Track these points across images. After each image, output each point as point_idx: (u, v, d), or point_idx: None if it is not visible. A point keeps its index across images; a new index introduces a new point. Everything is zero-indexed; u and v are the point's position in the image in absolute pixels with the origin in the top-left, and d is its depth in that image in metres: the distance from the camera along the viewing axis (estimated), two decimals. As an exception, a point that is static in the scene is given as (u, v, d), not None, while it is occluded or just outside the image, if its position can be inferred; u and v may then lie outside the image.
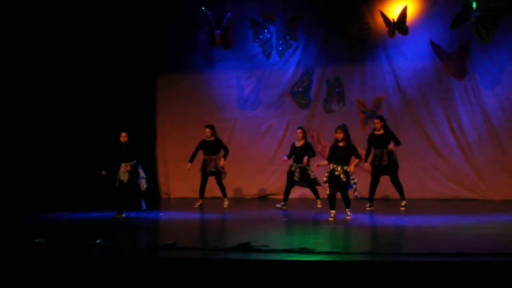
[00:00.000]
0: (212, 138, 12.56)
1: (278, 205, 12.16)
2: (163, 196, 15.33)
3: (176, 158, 14.86)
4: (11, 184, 13.02)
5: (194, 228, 10.19)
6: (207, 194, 14.20)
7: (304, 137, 12.19)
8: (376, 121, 11.71)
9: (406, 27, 13.90)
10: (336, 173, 10.07)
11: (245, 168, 14.51)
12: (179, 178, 14.94)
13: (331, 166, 10.18)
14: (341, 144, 10.23)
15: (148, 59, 14.93)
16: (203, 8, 14.70)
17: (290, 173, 12.11)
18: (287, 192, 12.30)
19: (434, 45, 13.79)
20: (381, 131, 11.60)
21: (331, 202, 10.18)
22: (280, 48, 14.69)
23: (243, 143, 14.70)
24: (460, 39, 13.64)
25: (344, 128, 10.33)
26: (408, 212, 11.16)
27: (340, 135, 10.22)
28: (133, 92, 14.74)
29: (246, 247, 7.40)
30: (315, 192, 12.26)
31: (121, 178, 11.03)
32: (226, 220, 11.14)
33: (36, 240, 8.06)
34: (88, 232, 9.25)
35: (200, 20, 14.90)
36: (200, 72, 15.00)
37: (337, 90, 14.43)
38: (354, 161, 10.22)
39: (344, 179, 10.02)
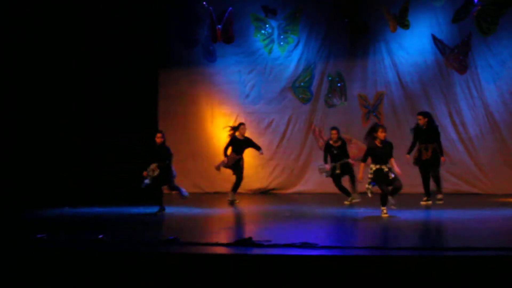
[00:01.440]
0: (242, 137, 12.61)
1: (346, 202, 12.03)
2: (165, 191, 15.28)
3: (178, 153, 14.83)
4: (12, 183, 13.01)
5: (196, 223, 10.20)
6: (209, 189, 14.25)
7: (340, 137, 12.11)
8: (419, 117, 11.62)
9: (408, 21, 13.88)
10: (385, 170, 9.88)
11: (247, 163, 14.44)
12: (180, 174, 14.90)
13: (374, 167, 9.94)
14: (379, 143, 10.02)
15: (149, 54, 14.91)
16: (204, 3, 14.69)
17: (333, 171, 12.02)
18: (342, 188, 12.20)
19: (436, 40, 13.78)
20: (425, 126, 11.51)
21: (384, 200, 9.94)
22: (281, 43, 14.68)
23: (245, 138, 14.68)
24: (462, 33, 13.64)
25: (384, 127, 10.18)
26: (410, 207, 11.15)
27: (384, 134, 9.96)
28: (134, 88, 14.73)
29: (247, 242, 7.40)
30: (354, 186, 12.11)
31: (150, 175, 10.99)
32: (228, 215, 11.14)
33: (38, 236, 8.07)
34: (90, 228, 9.27)
35: (201, 15, 14.88)
36: (202, 67, 15.00)
37: (339, 84, 14.43)
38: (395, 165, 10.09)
39: (392, 176, 9.88)
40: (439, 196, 11.55)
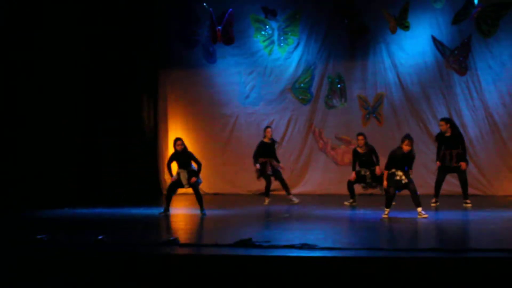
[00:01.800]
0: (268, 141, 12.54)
1: (346, 203, 12.04)
2: (165, 192, 15.32)
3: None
4: (12, 183, 13.00)
5: (196, 224, 10.20)
6: (210, 190, 14.23)
7: (367, 143, 11.97)
8: (441, 123, 11.59)
9: (408, 23, 13.89)
10: (397, 177, 9.97)
11: (247, 164, 14.43)
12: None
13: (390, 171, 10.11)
14: (402, 155, 10.06)
15: (150, 55, 14.92)
16: (204, 4, 14.68)
17: (359, 175, 11.91)
18: (351, 189, 12.10)
19: (436, 41, 13.78)
20: (449, 133, 11.48)
21: (388, 202, 10.05)
22: (281, 44, 14.68)
23: (245, 139, 14.67)
24: (462, 35, 13.64)
25: (412, 140, 10.17)
26: (409, 208, 11.15)
27: (408, 148, 10.01)
28: (134, 89, 14.74)
29: (247, 243, 7.41)
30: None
31: (185, 183, 11.01)
32: (227, 216, 11.14)
33: (38, 237, 8.07)
34: (89, 229, 9.27)
35: (201, 16, 14.88)
36: (202, 68, 14.99)
37: (339, 86, 14.43)
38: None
39: (406, 180, 9.97)
40: (468, 202, 11.51)
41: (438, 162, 11.65)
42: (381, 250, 7.13)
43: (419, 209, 9.98)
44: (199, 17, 14.89)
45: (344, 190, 12.31)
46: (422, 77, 13.90)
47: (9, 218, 10.89)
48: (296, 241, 7.43)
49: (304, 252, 6.98)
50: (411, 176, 10.11)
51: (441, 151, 11.57)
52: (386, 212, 10.01)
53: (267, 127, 12.85)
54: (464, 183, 11.59)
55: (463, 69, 13.71)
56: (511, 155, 13.44)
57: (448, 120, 11.71)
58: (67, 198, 13.00)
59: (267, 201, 12.55)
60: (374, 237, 8.49)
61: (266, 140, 12.58)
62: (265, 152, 12.50)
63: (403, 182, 9.99)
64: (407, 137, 10.17)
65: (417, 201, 10.02)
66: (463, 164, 11.40)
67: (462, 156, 11.46)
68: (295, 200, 12.55)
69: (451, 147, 11.46)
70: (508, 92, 13.47)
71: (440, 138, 11.67)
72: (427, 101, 13.86)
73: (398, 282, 6.42)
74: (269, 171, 12.43)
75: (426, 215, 9.91)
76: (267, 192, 12.64)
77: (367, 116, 14.22)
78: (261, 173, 12.46)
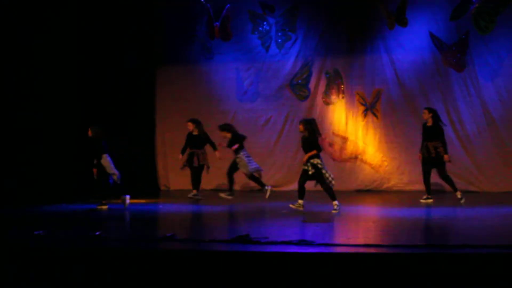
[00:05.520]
0: (196, 133, 12.59)
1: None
2: (162, 188, 15.35)
3: (176, 150, 14.83)
4: (9, 179, 12.99)
5: (193, 220, 10.20)
6: (208, 186, 14.23)
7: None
8: (424, 111, 11.67)
9: (406, 19, 13.89)
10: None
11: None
12: (178, 171, 14.92)
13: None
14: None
15: (147, 51, 14.90)
16: (202, 0, 14.67)
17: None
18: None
19: (433, 37, 13.79)
20: (430, 123, 11.54)
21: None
22: (279, 40, 14.67)
23: (242, 135, 14.68)
24: (460, 31, 13.65)
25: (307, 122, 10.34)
26: (407, 204, 11.18)
27: (300, 127, 10.28)
28: (131, 84, 14.73)
29: (245, 239, 7.41)
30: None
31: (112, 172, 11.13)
32: (225, 212, 11.15)
33: (36, 232, 8.07)
34: (87, 224, 9.27)
35: (199, 12, 14.87)
36: (199, 64, 14.99)
37: (336, 82, 14.42)
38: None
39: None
40: (459, 195, 11.41)
41: (419, 155, 11.64)
42: (378, 246, 7.14)
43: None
44: (196, 12, 14.89)
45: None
46: (420, 73, 13.91)
47: (6, 214, 10.88)
48: (294, 237, 7.44)
49: (301, 248, 6.98)
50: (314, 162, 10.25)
51: (423, 143, 11.59)
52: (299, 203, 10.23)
53: (189, 120, 12.77)
54: (446, 179, 11.48)
55: (460, 65, 13.72)
56: (508, 152, 13.44)
57: (431, 110, 11.68)
58: (65, 196, 13.00)
59: (194, 192, 12.58)
60: (372, 233, 8.50)
61: (193, 132, 12.62)
62: (193, 144, 12.55)
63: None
64: (302, 120, 10.45)
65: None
66: (446, 157, 11.34)
67: (439, 149, 11.38)
68: (199, 197, 12.52)
69: (429, 138, 11.47)
70: (505, 88, 13.47)
71: (423, 128, 11.71)
72: (424, 97, 13.86)
73: (395, 278, 6.42)
74: (195, 163, 12.48)
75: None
76: (195, 184, 12.61)
77: (365, 112, 14.23)
78: (187, 164, 12.55)
